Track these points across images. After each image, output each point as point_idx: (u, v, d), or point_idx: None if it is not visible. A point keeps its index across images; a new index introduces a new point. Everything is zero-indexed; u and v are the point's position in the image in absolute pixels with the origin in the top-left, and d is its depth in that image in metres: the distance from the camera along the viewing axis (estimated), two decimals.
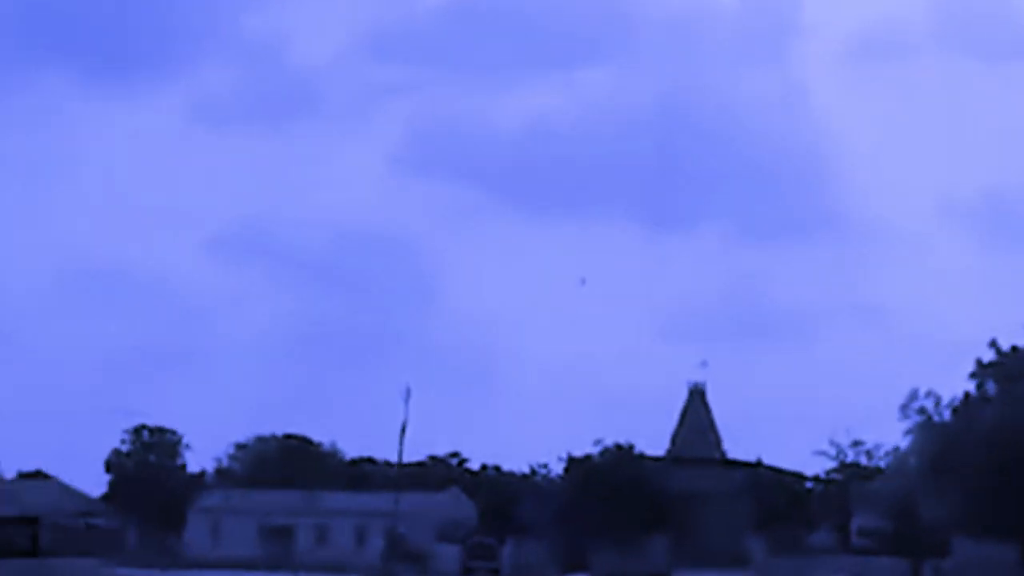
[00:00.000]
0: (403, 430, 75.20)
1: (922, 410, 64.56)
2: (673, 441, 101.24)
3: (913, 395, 64.49)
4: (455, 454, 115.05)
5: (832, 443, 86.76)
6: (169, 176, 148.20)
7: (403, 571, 79.28)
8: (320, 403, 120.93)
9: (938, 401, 63.86)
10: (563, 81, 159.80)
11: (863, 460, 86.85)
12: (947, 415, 63.79)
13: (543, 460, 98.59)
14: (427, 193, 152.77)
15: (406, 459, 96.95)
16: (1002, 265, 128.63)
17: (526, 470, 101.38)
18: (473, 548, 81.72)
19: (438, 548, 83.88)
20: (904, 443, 68.74)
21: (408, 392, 73.63)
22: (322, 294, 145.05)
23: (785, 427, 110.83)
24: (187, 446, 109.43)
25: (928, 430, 63.63)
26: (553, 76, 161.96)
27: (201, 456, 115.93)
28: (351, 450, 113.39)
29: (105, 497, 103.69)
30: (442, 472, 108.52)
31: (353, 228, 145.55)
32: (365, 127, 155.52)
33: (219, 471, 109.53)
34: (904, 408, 64.53)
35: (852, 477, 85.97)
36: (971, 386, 63.57)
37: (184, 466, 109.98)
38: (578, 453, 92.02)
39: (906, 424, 65.29)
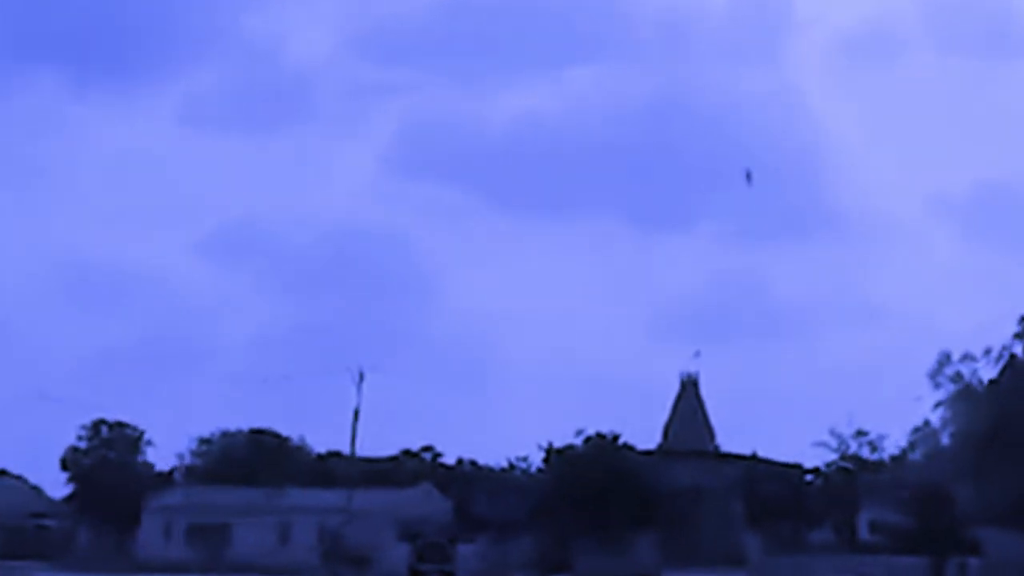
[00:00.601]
0: (356, 416, 71.94)
1: (957, 376, 54.63)
2: (665, 435, 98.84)
3: (945, 358, 54.87)
4: (428, 448, 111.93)
5: (833, 434, 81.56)
6: (162, 176, 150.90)
7: (344, 573, 74.72)
8: (296, 400, 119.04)
9: (985, 352, 53.41)
10: (556, 80, 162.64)
11: (865, 452, 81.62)
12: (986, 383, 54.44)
13: (525, 454, 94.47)
14: (419, 193, 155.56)
15: (377, 453, 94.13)
16: (1000, 262, 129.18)
17: (505, 464, 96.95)
18: (423, 549, 75.41)
19: (399, 548, 78.25)
20: (934, 418, 58.04)
21: (361, 376, 70.20)
22: (311, 292, 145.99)
23: (782, 421, 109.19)
24: (149, 442, 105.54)
25: (967, 399, 53.51)
26: (546, 75, 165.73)
27: (165, 452, 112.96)
28: (323, 445, 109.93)
29: (71, 496, 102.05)
30: (414, 467, 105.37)
31: (343, 227, 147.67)
32: (357, 128, 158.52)
33: (188, 468, 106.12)
34: (934, 376, 54.61)
35: (860, 468, 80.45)
36: (1018, 348, 53.55)
37: (151, 464, 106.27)
38: (560, 444, 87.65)
39: (935, 396, 54.92)
